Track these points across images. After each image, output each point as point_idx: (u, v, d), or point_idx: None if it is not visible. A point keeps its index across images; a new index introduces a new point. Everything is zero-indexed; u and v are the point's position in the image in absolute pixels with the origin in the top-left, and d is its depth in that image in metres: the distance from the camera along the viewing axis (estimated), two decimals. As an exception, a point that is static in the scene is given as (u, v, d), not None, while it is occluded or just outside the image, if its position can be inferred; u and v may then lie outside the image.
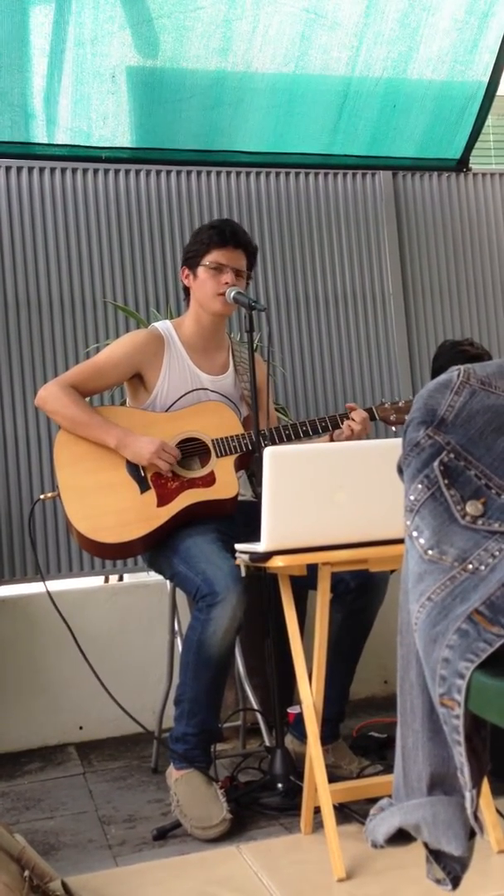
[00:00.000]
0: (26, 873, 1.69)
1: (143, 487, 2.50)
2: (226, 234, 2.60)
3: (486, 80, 3.78)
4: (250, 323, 2.51)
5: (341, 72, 3.62)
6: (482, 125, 3.92)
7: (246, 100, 3.58)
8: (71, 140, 3.49)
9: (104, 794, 2.67)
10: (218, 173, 3.74)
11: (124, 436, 2.49)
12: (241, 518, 2.50)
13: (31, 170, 3.52)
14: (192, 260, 2.65)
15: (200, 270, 2.62)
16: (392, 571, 2.39)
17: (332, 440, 2.61)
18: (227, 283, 2.58)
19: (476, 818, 0.87)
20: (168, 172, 3.67)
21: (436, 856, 0.94)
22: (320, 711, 2.11)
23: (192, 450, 2.57)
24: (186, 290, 2.71)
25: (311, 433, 2.58)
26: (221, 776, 2.43)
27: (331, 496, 2.02)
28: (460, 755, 0.82)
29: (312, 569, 2.08)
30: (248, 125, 3.66)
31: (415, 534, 0.89)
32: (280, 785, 2.32)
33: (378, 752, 2.75)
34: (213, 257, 2.60)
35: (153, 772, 2.80)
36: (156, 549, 2.54)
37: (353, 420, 2.56)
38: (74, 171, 3.56)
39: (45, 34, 3.25)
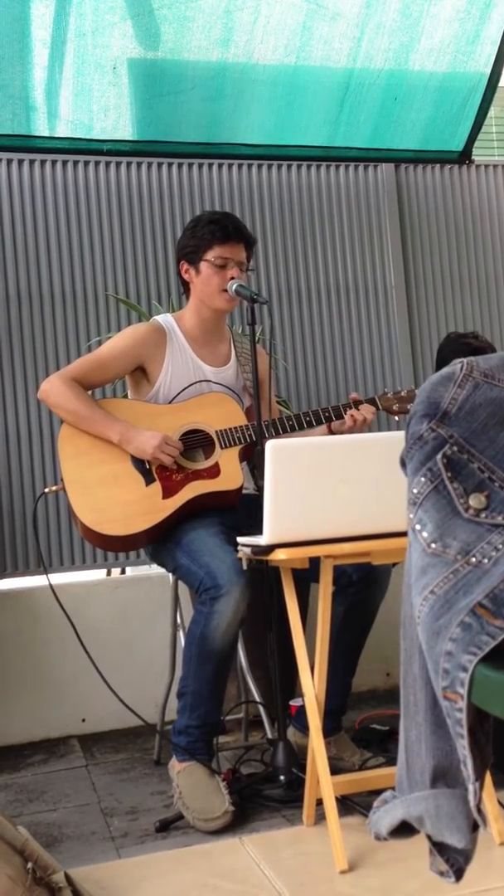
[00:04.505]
0: (29, 865, 1.69)
1: (149, 480, 2.50)
2: (228, 230, 2.59)
3: (489, 71, 3.76)
4: (252, 316, 2.51)
5: (343, 63, 3.60)
6: (485, 117, 3.91)
7: (247, 91, 3.57)
8: (72, 132, 3.48)
9: (107, 786, 2.68)
10: (220, 165, 3.73)
11: (126, 430, 2.49)
12: (243, 511, 2.50)
13: (32, 162, 3.51)
14: (192, 255, 2.63)
15: (203, 266, 2.61)
16: (395, 564, 2.39)
17: (330, 431, 2.60)
18: (232, 277, 2.58)
19: (479, 811, 0.87)
20: (169, 165, 3.66)
21: (439, 848, 0.94)
22: (322, 704, 2.12)
23: (196, 441, 2.56)
24: (185, 284, 2.70)
25: (314, 423, 2.58)
26: (224, 768, 2.43)
27: (333, 489, 2.02)
28: (463, 748, 0.82)
29: (315, 562, 2.08)
30: (250, 117, 3.64)
31: (418, 527, 0.88)
32: (282, 777, 2.33)
33: (380, 744, 2.75)
34: (216, 252, 2.59)
35: (156, 764, 2.81)
36: (159, 541, 2.54)
37: (356, 411, 2.56)
38: (76, 163, 3.55)
39: (46, 25, 3.23)
